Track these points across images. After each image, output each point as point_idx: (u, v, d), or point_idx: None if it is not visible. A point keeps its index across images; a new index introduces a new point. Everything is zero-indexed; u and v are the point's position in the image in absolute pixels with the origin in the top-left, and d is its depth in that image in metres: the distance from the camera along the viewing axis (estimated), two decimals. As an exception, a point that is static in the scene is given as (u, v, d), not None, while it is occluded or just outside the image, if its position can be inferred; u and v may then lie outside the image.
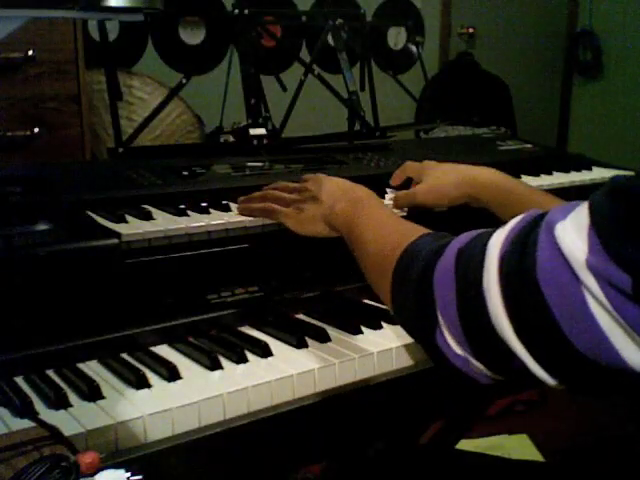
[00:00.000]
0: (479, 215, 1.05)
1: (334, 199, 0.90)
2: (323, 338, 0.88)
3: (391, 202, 1.10)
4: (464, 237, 0.65)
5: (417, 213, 1.09)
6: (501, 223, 0.62)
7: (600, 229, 0.49)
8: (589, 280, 0.50)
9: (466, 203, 1.08)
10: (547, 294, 0.52)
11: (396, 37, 3.17)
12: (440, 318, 0.63)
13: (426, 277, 0.65)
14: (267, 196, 0.99)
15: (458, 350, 0.63)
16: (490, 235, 0.60)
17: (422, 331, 0.67)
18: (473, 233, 0.65)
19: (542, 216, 0.57)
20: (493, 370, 0.62)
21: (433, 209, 1.09)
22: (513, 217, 0.99)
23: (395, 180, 1.18)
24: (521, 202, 1.01)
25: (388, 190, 1.17)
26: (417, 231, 0.75)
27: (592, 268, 0.49)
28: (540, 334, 0.54)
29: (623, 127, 3.83)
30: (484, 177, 1.06)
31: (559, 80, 4.12)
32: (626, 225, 0.48)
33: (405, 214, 1.09)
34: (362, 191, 0.92)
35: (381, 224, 0.82)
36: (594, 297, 0.50)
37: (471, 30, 3.56)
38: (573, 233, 0.51)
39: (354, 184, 0.94)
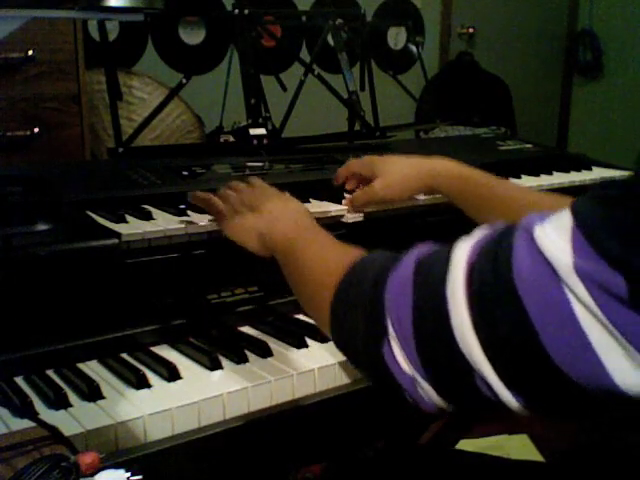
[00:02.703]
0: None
1: (275, 217, 0.86)
2: (323, 338, 0.88)
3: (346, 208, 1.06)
4: (424, 248, 0.61)
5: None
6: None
7: (588, 230, 0.46)
8: (577, 285, 0.46)
9: (422, 194, 1.09)
10: (526, 301, 0.48)
11: (396, 37, 3.18)
12: (390, 329, 0.58)
13: (378, 285, 0.60)
14: (218, 195, 0.94)
15: (406, 367, 0.57)
16: (455, 244, 0.56)
17: (366, 344, 0.61)
18: (434, 245, 0.61)
19: (513, 224, 0.53)
20: (442, 393, 0.57)
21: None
22: (478, 205, 0.99)
23: (338, 179, 1.13)
24: (482, 189, 1.00)
25: (346, 195, 1.12)
26: (365, 251, 0.70)
27: (581, 272, 0.46)
28: (512, 347, 0.50)
29: (623, 127, 3.83)
30: (443, 167, 1.05)
31: (559, 80, 4.11)
32: (620, 226, 0.45)
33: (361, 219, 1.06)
34: (305, 215, 0.87)
35: (325, 246, 0.78)
36: (582, 303, 0.46)
37: (471, 30, 3.56)
38: (555, 236, 0.48)
39: (299, 205, 0.90)
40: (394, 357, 0.58)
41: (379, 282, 0.60)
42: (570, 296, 0.46)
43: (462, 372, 0.53)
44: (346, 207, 1.07)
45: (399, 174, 1.07)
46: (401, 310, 0.57)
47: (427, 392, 0.57)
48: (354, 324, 0.63)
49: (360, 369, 0.68)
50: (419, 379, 0.57)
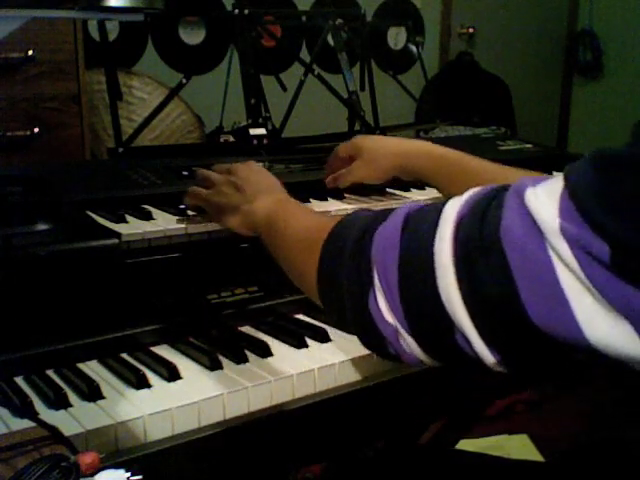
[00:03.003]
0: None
1: (257, 192, 0.87)
2: (323, 338, 0.88)
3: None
4: (414, 205, 0.61)
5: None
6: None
7: (575, 194, 0.47)
8: (560, 246, 0.47)
9: (399, 176, 1.09)
10: (510, 257, 0.49)
11: (396, 37, 3.18)
12: (376, 280, 0.58)
13: (364, 239, 0.61)
14: (197, 176, 0.97)
15: (389, 318, 0.58)
16: (445, 202, 0.57)
17: (352, 295, 0.62)
18: (424, 204, 0.62)
19: (506, 186, 0.54)
20: (423, 345, 0.58)
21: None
22: (451, 183, 1.00)
23: (329, 168, 1.14)
24: (455, 167, 1.00)
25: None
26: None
27: (565, 234, 0.46)
28: (492, 303, 0.51)
29: (623, 127, 3.82)
30: (416, 147, 1.06)
31: (559, 80, 4.11)
32: (606, 193, 0.46)
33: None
34: (282, 190, 0.89)
35: (307, 215, 0.80)
36: (564, 262, 0.47)
37: (471, 30, 3.56)
38: (544, 198, 0.49)
39: (274, 180, 0.92)
40: (378, 308, 0.59)
41: (366, 234, 0.61)
42: (553, 256, 0.47)
43: (443, 326, 0.54)
44: (349, 206, 1.07)
45: (376, 154, 1.08)
46: (387, 261, 0.58)
47: (409, 344, 0.58)
48: (340, 278, 0.63)
49: (346, 325, 0.68)
50: (402, 331, 0.58)
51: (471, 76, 3.37)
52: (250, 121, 1.40)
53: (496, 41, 3.67)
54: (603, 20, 3.89)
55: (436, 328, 0.55)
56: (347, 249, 0.63)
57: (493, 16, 3.64)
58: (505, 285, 0.50)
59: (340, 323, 0.69)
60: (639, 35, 3.74)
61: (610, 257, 0.45)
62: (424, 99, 2.80)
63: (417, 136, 2.51)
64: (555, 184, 0.49)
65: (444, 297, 0.53)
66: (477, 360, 0.54)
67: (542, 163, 1.42)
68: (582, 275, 0.46)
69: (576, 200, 0.47)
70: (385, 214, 0.62)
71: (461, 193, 1.00)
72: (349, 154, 1.11)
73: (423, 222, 0.57)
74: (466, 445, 1.46)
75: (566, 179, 0.49)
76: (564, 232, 0.47)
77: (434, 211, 0.57)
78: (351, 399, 0.82)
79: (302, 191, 1.07)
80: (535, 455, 1.72)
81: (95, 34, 1.45)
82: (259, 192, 0.87)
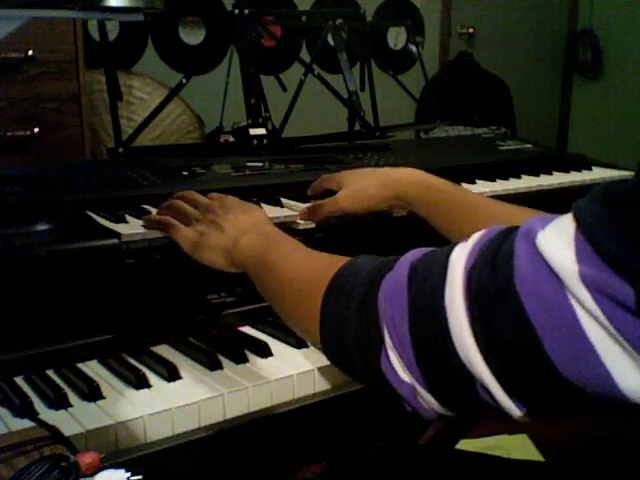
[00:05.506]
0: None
1: (239, 231, 0.82)
2: (323, 338, 0.88)
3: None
4: (416, 252, 0.59)
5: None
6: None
7: (591, 235, 0.44)
8: (581, 293, 0.44)
9: (390, 208, 1.02)
10: (528, 307, 0.47)
11: (396, 37, 3.19)
12: (387, 339, 0.56)
13: (370, 293, 0.58)
14: (171, 207, 0.91)
15: (405, 376, 0.57)
16: (450, 249, 0.55)
17: (362, 355, 0.60)
18: (427, 249, 0.59)
19: (511, 229, 0.52)
20: (443, 401, 0.56)
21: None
22: (441, 214, 0.97)
23: (312, 191, 1.09)
24: (446, 197, 0.96)
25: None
26: (346, 258, 0.67)
27: (585, 279, 0.44)
28: (514, 354, 0.49)
29: (623, 127, 3.83)
30: (408, 175, 1.00)
31: (559, 80, 4.12)
32: (626, 233, 0.43)
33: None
34: (271, 226, 0.84)
35: (300, 254, 0.75)
36: (587, 311, 0.45)
37: (471, 30, 3.56)
38: (557, 242, 0.46)
39: (260, 213, 0.87)
40: (392, 367, 0.57)
41: (371, 290, 0.59)
42: (574, 304, 0.45)
43: (463, 380, 0.52)
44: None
45: (361, 184, 1.02)
46: (397, 319, 0.56)
47: (428, 401, 0.57)
48: (347, 334, 0.61)
49: (355, 379, 0.67)
50: (419, 388, 0.56)
51: (471, 76, 3.37)
52: (250, 121, 1.40)
53: (496, 41, 3.67)
54: (603, 20, 3.89)
55: (456, 384, 0.54)
56: (352, 304, 0.61)
57: (493, 16, 3.64)
58: (526, 337, 0.47)
59: (349, 375, 0.67)
60: (639, 35, 3.74)
61: (635, 300, 0.43)
62: (424, 99, 2.80)
63: (417, 136, 2.51)
64: (565, 224, 0.47)
65: (462, 354, 0.51)
66: (501, 412, 0.52)
67: (542, 163, 1.42)
68: (606, 322, 0.44)
69: (593, 241, 0.44)
70: (389, 262, 0.60)
71: (450, 225, 0.95)
72: (331, 186, 1.05)
73: (429, 273, 0.55)
74: (466, 445, 1.46)
75: (577, 219, 0.46)
76: (584, 278, 0.44)
77: (440, 260, 0.55)
78: (351, 399, 0.82)
79: (302, 191, 1.08)
80: (535, 455, 1.72)
81: (95, 34, 1.45)
82: (240, 230, 0.82)
